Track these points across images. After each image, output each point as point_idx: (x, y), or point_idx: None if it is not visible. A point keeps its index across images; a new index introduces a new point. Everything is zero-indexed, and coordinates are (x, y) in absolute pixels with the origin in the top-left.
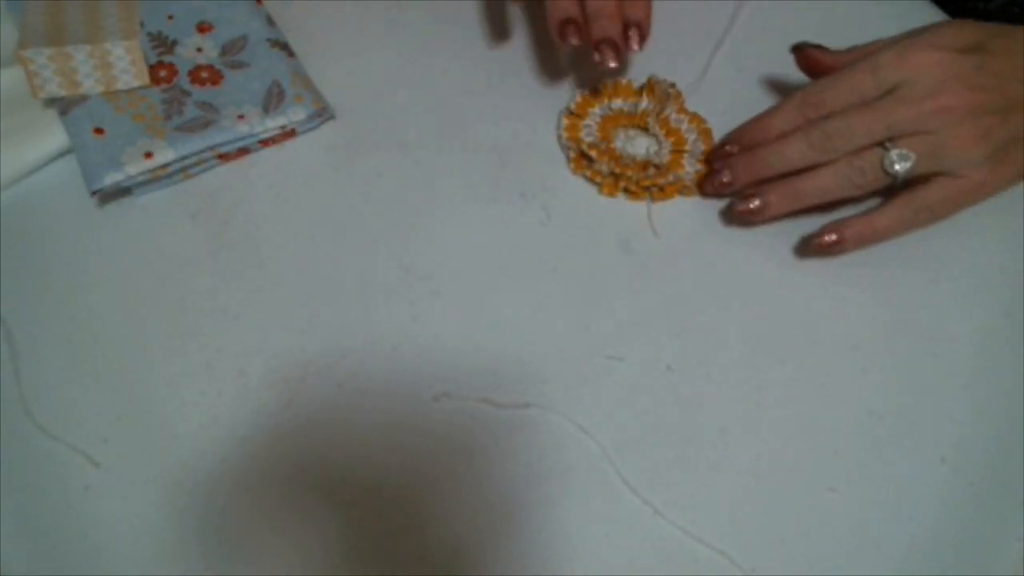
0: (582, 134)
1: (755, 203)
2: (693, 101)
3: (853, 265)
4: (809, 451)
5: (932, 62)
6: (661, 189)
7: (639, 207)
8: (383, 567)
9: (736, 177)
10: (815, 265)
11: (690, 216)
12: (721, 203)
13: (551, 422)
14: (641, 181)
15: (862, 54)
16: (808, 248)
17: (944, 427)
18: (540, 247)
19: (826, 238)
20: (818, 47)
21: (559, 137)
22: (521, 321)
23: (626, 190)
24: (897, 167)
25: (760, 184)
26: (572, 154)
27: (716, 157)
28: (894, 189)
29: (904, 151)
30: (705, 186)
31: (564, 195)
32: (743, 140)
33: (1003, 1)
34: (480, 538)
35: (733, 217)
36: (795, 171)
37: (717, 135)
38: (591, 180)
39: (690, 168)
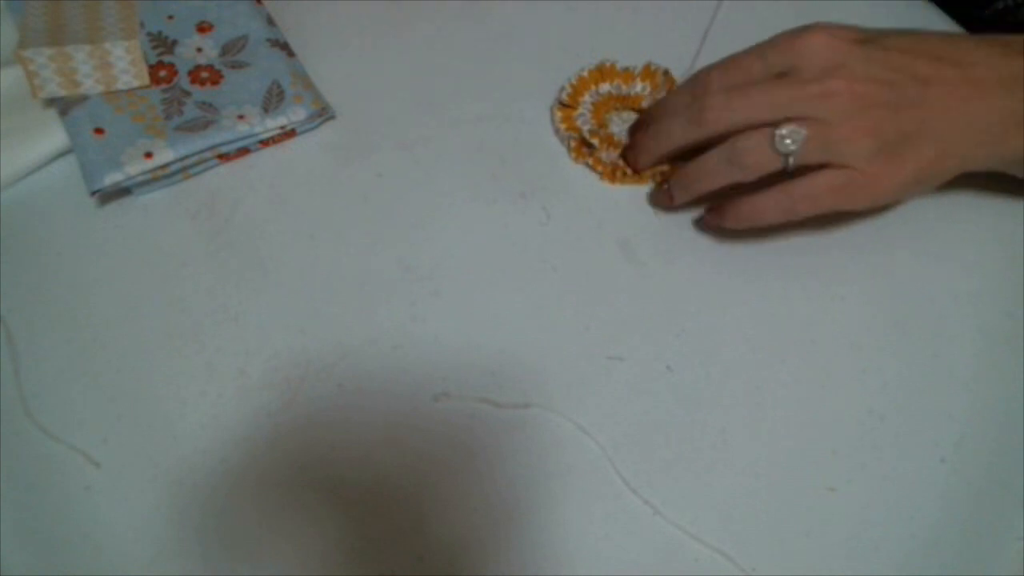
0: (579, 123)
1: (664, 188)
2: None
3: (853, 265)
4: (809, 451)
5: (822, 46)
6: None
7: (639, 205)
8: (383, 567)
9: (634, 158)
10: (815, 265)
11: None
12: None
13: (551, 422)
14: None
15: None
16: (701, 225)
17: (944, 427)
18: (540, 247)
19: (708, 217)
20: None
21: (557, 131)
22: (521, 321)
23: (625, 176)
24: (788, 143)
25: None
26: (573, 143)
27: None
28: (784, 176)
29: (795, 128)
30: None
31: (564, 195)
32: (643, 119)
33: (999, 8)
34: (480, 538)
35: (651, 203)
36: (684, 149)
37: None
38: (593, 168)
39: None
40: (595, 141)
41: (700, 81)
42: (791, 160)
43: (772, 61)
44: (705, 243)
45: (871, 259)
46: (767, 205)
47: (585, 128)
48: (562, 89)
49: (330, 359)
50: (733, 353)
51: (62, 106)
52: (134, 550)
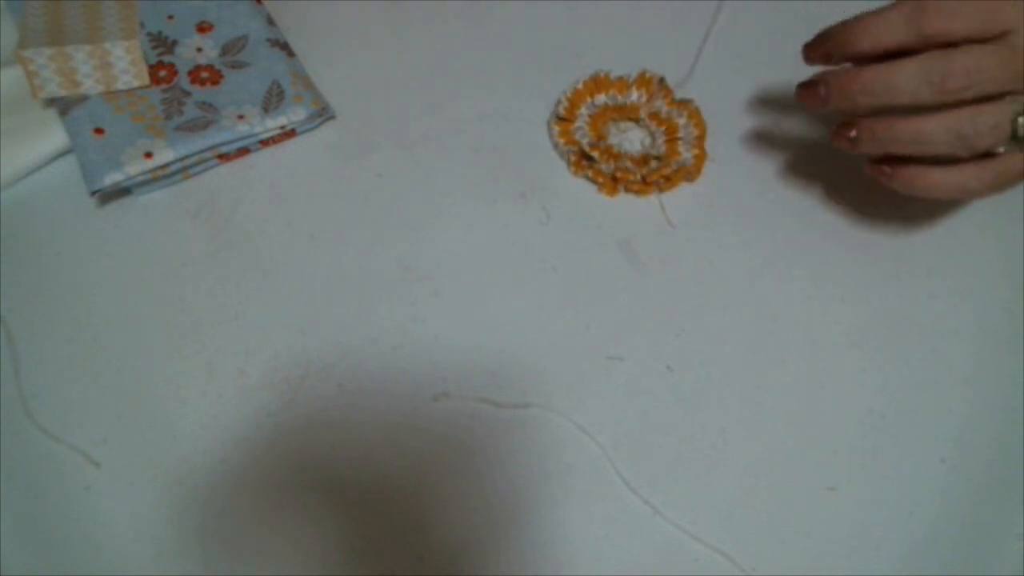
0: (577, 136)
1: (852, 134)
2: (682, 96)
3: (853, 265)
4: (809, 451)
5: None
6: (667, 179)
7: (640, 205)
8: (383, 567)
9: (830, 95)
10: (815, 265)
11: (696, 204)
12: (724, 189)
13: (551, 422)
14: (647, 177)
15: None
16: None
17: (944, 426)
18: (540, 247)
19: (879, 168)
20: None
21: (556, 145)
22: (521, 321)
23: (627, 188)
24: None
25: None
26: (573, 157)
27: (809, 47)
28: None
29: None
30: (799, 91)
31: (564, 195)
32: (831, 45)
33: None
34: (480, 538)
35: (832, 139)
36: (894, 108)
37: (709, 129)
38: (593, 180)
39: (687, 153)
40: (595, 154)
41: (926, 19)
42: (1020, 146)
43: (1002, 17)
44: (705, 244)
45: (871, 258)
46: (961, 180)
47: (584, 141)
48: (558, 103)
49: (330, 359)
50: (733, 353)
51: (62, 106)
52: (134, 550)
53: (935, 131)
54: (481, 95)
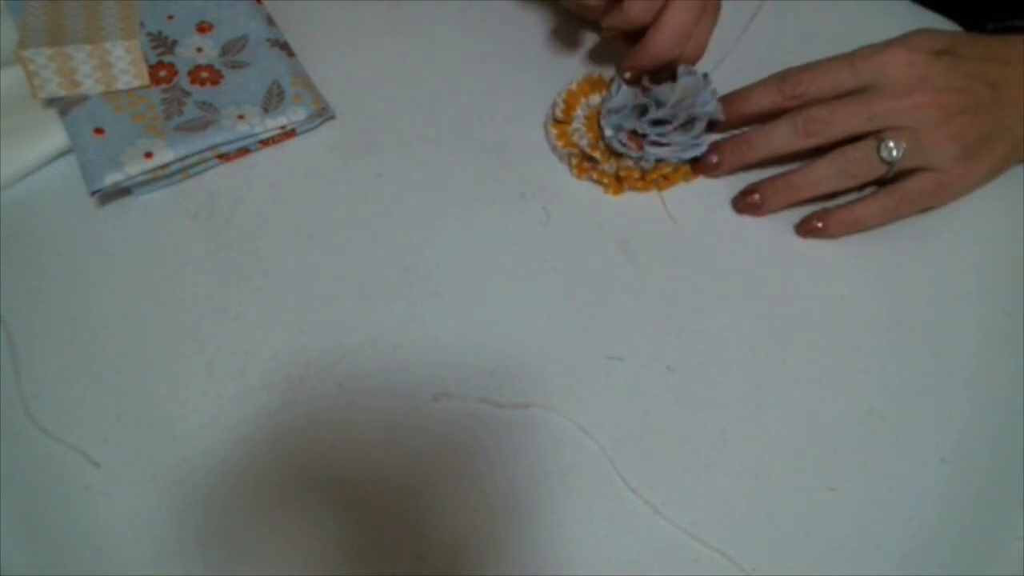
0: (575, 138)
1: (754, 198)
2: None
3: (853, 265)
4: (809, 451)
5: (906, 61)
6: (666, 177)
7: (640, 205)
8: (383, 567)
9: (723, 160)
10: (815, 265)
11: (695, 202)
12: (724, 187)
13: (551, 422)
14: (647, 175)
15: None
16: (798, 231)
17: (944, 427)
18: (540, 247)
19: (814, 224)
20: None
21: (554, 148)
22: (521, 321)
23: (630, 186)
24: (894, 153)
25: (758, 181)
26: (574, 160)
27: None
28: (882, 182)
29: (897, 140)
30: (696, 168)
31: (564, 195)
32: (732, 107)
33: (999, 27)
34: (480, 538)
35: (736, 209)
36: (778, 157)
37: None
38: (598, 182)
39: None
40: (596, 155)
41: (790, 81)
42: (893, 168)
43: (859, 70)
44: (705, 243)
45: (871, 259)
46: (873, 211)
47: (583, 143)
48: (555, 105)
49: (330, 359)
50: (733, 353)
51: (62, 106)
52: (134, 550)
53: (821, 171)
54: (481, 95)
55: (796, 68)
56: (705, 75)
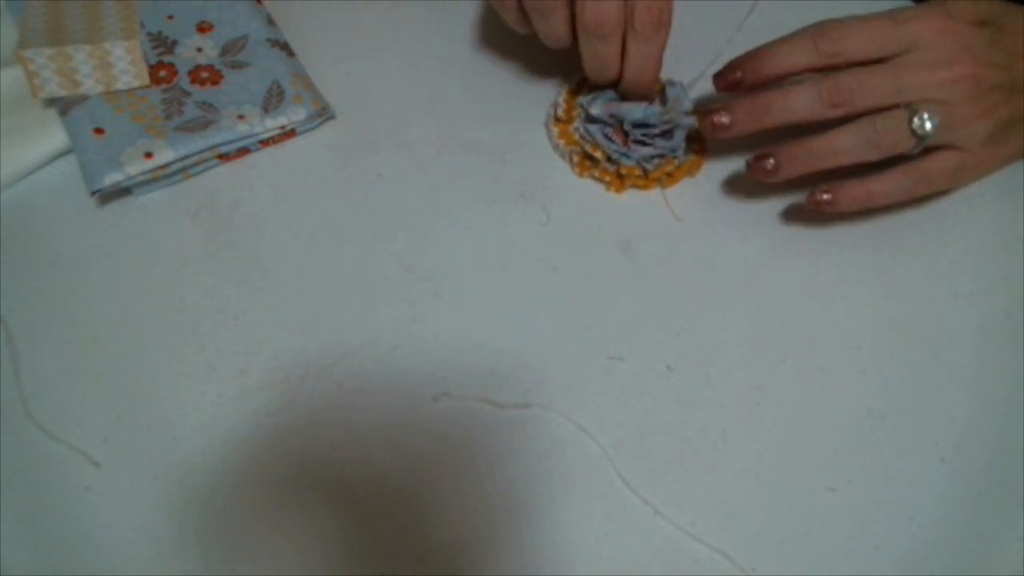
0: (577, 136)
1: (768, 162)
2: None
3: (853, 265)
4: (809, 451)
5: (949, 30)
6: (670, 175)
7: (641, 205)
8: (383, 567)
9: (735, 120)
10: (815, 265)
11: (697, 200)
12: (726, 185)
13: (551, 422)
14: (651, 174)
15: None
16: (804, 207)
17: (944, 427)
18: (540, 247)
19: (821, 196)
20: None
21: (556, 147)
22: (521, 321)
23: (634, 185)
24: (928, 127)
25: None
26: (576, 158)
27: (720, 76)
28: (906, 157)
29: (932, 113)
30: (703, 122)
31: (564, 195)
32: (747, 68)
33: None
34: (480, 538)
35: (747, 175)
36: (796, 124)
37: None
38: (599, 179)
39: (686, 155)
40: (597, 154)
41: (828, 37)
42: (923, 143)
43: (897, 35)
44: (705, 243)
45: (871, 259)
46: (888, 188)
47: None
48: (556, 105)
49: (330, 359)
50: (733, 353)
51: (62, 106)
52: (134, 550)
53: (845, 139)
54: (481, 95)
55: (832, 22)
56: (683, 85)
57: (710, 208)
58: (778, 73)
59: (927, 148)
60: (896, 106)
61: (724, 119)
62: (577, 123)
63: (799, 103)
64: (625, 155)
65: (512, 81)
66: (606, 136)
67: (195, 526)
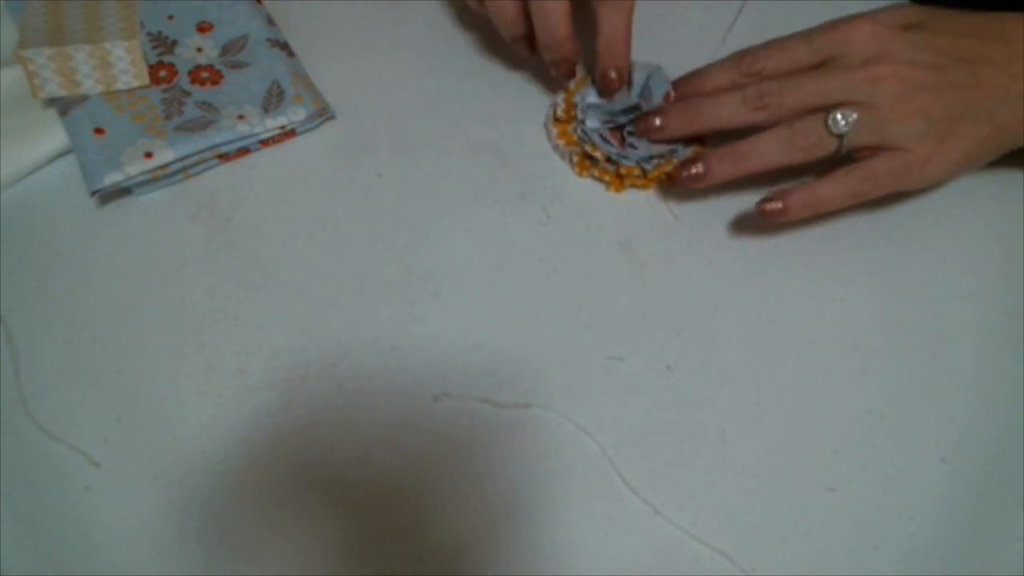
0: (577, 137)
1: (697, 168)
2: None
3: (853, 265)
4: (809, 451)
5: (867, 34)
6: (669, 175)
7: (641, 205)
8: (383, 567)
9: (667, 124)
10: (815, 265)
11: (696, 200)
12: (728, 182)
13: (551, 422)
14: (650, 174)
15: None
16: (758, 213)
17: (944, 427)
18: (540, 247)
19: (769, 205)
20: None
21: (556, 147)
22: (521, 321)
23: (634, 185)
24: (842, 125)
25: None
26: (575, 158)
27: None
28: (838, 160)
29: (847, 111)
30: (637, 125)
31: (564, 195)
32: (679, 90)
33: None
34: (480, 538)
35: (677, 182)
36: (727, 129)
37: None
38: (599, 179)
39: (684, 148)
40: (597, 154)
41: (746, 60)
42: (844, 142)
43: (818, 46)
44: (705, 243)
45: (871, 259)
46: (833, 190)
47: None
48: (555, 105)
49: (330, 359)
50: (733, 353)
51: (62, 106)
52: (134, 550)
53: (767, 141)
54: (481, 95)
55: (753, 47)
56: (658, 66)
57: (710, 208)
58: (706, 90)
59: (866, 150)
60: (820, 109)
61: (656, 121)
62: (576, 123)
63: (726, 108)
64: (624, 156)
65: (512, 81)
66: (603, 138)
67: (195, 526)
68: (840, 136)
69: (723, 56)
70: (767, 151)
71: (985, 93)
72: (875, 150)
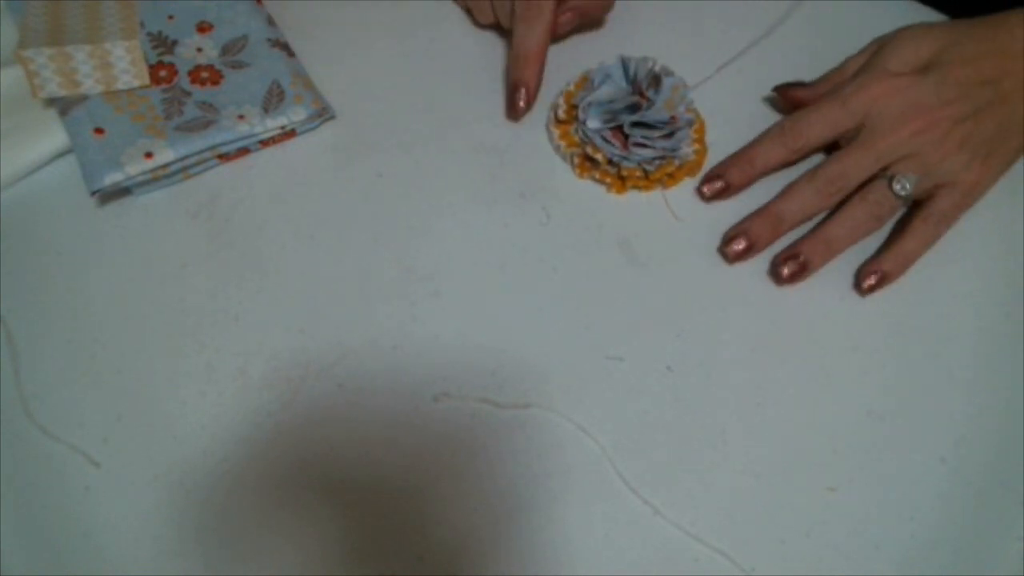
0: (578, 138)
1: (794, 264)
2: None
3: (853, 265)
4: (809, 451)
5: (893, 90)
6: (671, 176)
7: (641, 205)
8: (383, 567)
9: (757, 239)
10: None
11: (697, 200)
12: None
13: (551, 422)
14: (652, 175)
15: (832, 83)
16: (859, 290)
17: (944, 427)
18: (540, 247)
19: (870, 281)
20: (797, 84)
21: (557, 148)
22: (521, 321)
23: (635, 186)
24: (907, 187)
25: (791, 245)
26: (576, 160)
27: (707, 185)
28: (904, 212)
29: (904, 174)
30: (723, 249)
31: (564, 195)
32: (731, 173)
33: None
34: (480, 538)
35: (777, 280)
36: (808, 219)
37: (713, 132)
38: (600, 181)
39: (687, 148)
40: (598, 156)
41: (790, 132)
42: (910, 199)
43: (852, 109)
44: (705, 243)
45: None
46: (918, 243)
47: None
48: (556, 106)
49: (330, 359)
50: (733, 353)
51: (62, 106)
52: (134, 550)
53: (851, 221)
54: (481, 95)
55: (792, 118)
56: (682, 79)
57: (710, 208)
58: (759, 173)
59: (925, 193)
60: (881, 171)
61: (742, 245)
62: (577, 124)
63: (806, 203)
64: (625, 158)
65: None
66: (604, 139)
67: (195, 526)
68: (905, 197)
69: (736, 66)
70: (854, 229)
71: (1012, 104)
72: (931, 190)
